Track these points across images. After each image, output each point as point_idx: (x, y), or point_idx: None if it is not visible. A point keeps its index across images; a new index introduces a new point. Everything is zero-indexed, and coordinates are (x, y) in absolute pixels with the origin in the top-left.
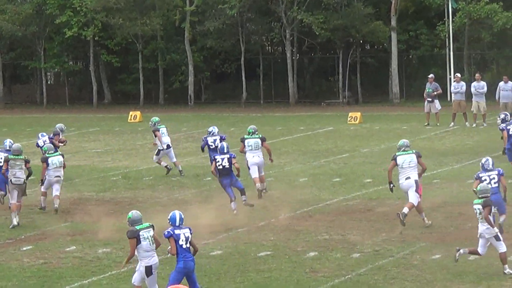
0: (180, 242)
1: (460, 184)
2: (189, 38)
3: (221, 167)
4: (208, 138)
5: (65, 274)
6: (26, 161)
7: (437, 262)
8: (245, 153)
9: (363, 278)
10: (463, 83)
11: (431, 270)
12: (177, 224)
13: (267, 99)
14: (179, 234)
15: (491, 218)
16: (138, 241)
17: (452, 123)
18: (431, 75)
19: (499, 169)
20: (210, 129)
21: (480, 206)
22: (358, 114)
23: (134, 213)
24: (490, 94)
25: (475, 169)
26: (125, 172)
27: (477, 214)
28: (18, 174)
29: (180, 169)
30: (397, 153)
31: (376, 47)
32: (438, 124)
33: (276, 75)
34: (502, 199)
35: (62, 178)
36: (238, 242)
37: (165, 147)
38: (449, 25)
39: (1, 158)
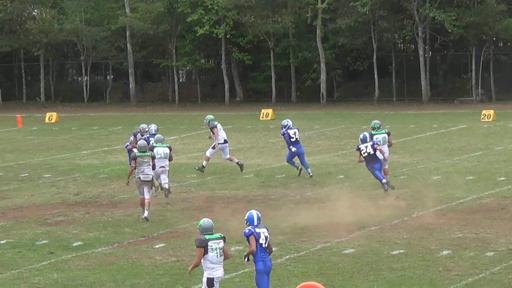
0: (260, 241)
1: None
2: (321, 35)
3: (366, 154)
4: (288, 131)
5: (197, 272)
6: (153, 158)
7: None
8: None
9: (497, 277)
10: None
11: None
12: (255, 223)
13: (400, 97)
14: (259, 232)
15: None
16: (206, 251)
17: None
18: None
19: None
20: (285, 122)
21: None
22: (492, 112)
23: (206, 221)
24: None
25: None
26: (257, 170)
27: None
28: (146, 170)
29: (238, 161)
30: None
31: (510, 44)
32: None
33: (408, 72)
34: None
35: (167, 169)
36: (371, 240)
37: (222, 141)
38: None
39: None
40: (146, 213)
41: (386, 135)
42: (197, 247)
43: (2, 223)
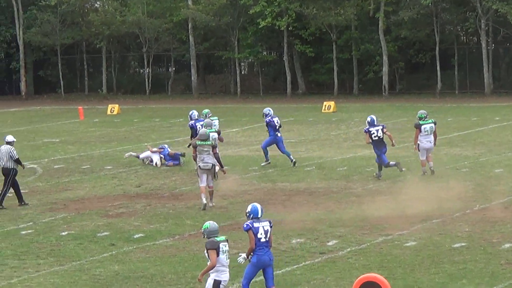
0: (259, 236)
1: None
2: (383, 28)
3: (376, 138)
4: (273, 119)
5: None
6: (214, 147)
7: None
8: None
9: None
10: None
11: None
12: (259, 215)
13: (462, 89)
14: (258, 227)
15: None
16: (217, 253)
17: None
18: None
19: None
20: (267, 111)
21: None
22: None
23: (211, 223)
24: None
25: None
26: (319, 163)
27: None
28: (206, 159)
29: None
30: None
31: None
32: None
33: (471, 65)
34: None
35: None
36: (433, 233)
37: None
38: None
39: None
40: (204, 200)
41: (433, 125)
42: (209, 249)
43: (64, 214)
